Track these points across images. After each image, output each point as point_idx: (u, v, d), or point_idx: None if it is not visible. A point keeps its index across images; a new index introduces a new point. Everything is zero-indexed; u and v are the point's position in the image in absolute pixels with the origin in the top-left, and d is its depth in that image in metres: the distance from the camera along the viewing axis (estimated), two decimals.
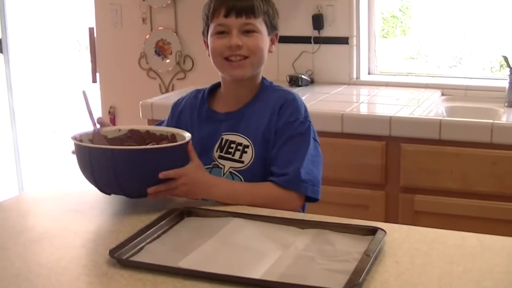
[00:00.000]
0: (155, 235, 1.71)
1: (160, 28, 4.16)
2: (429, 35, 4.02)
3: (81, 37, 4.85)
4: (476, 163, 2.85)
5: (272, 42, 2.15)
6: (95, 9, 4.34)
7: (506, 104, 3.34)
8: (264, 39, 2.09)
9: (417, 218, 2.97)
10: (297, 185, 2.01)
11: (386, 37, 4.10)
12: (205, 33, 2.14)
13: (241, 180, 2.08)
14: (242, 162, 2.08)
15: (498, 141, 2.81)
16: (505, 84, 3.35)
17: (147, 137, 2.06)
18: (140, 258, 1.59)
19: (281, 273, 1.49)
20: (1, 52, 5.09)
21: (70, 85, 5.64)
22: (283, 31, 3.81)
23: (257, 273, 1.49)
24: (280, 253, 1.60)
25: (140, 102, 3.48)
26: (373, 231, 1.69)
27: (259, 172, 2.07)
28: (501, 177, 2.82)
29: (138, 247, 1.64)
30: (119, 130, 2.11)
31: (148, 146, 1.94)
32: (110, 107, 4.39)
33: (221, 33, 2.06)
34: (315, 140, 2.11)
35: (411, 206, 2.98)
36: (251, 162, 2.07)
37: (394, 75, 3.85)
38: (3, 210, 2.00)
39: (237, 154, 2.08)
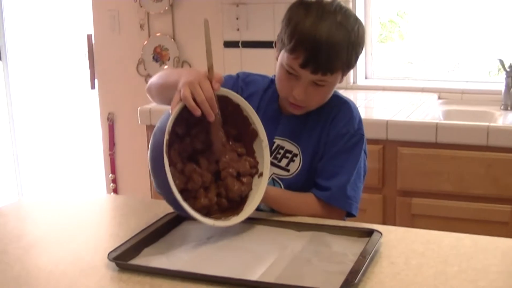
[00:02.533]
0: (154, 239, 1.72)
1: (157, 34, 4.18)
2: (426, 39, 4.03)
3: (80, 43, 4.86)
4: (472, 166, 2.87)
5: (344, 76, 1.96)
6: (93, 16, 4.36)
7: (502, 107, 3.36)
8: (334, 87, 1.95)
9: (414, 221, 2.98)
10: (341, 201, 1.94)
11: (383, 42, 4.11)
12: (279, 42, 1.94)
13: (281, 187, 1.99)
14: (288, 170, 1.99)
15: (494, 144, 2.83)
16: (501, 87, 3.37)
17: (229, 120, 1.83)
18: (138, 261, 1.61)
19: (278, 275, 1.51)
20: (0, 59, 5.11)
21: (68, 91, 5.64)
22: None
23: (254, 275, 1.51)
24: (277, 255, 1.62)
25: (139, 108, 3.49)
26: (369, 233, 1.71)
27: (303, 183, 1.98)
28: (497, 179, 2.83)
29: (137, 251, 1.65)
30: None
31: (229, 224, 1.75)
32: (109, 113, 4.40)
33: (291, 73, 1.89)
34: (365, 152, 2.04)
35: (408, 209, 3.00)
36: (296, 172, 1.99)
37: (391, 79, 3.86)
38: (3, 215, 2.01)
39: (284, 161, 1.99)
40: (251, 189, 1.82)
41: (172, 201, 1.69)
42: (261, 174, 1.83)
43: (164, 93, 1.90)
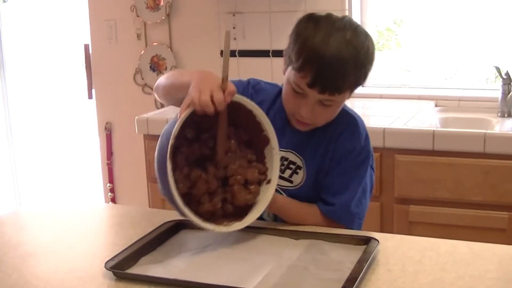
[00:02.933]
0: (151, 248, 1.73)
1: (154, 43, 4.19)
2: (423, 47, 4.04)
3: (77, 53, 4.86)
4: (470, 173, 2.87)
5: (351, 93, 1.91)
6: (90, 25, 4.37)
7: (499, 114, 3.37)
8: (341, 105, 1.92)
9: (412, 228, 2.99)
10: (344, 218, 1.93)
11: (381, 50, 4.12)
12: (286, 58, 1.90)
13: None
14: (291, 182, 1.97)
15: (491, 151, 2.83)
16: (498, 94, 3.38)
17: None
18: (135, 270, 1.61)
19: (275, 283, 1.51)
20: None
21: (66, 101, 5.65)
22: (278, 45, 3.86)
23: (251, 283, 1.51)
24: (274, 263, 1.62)
25: (136, 118, 3.50)
26: (366, 240, 1.71)
27: (306, 196, 1.96)
28: (494, 186, 2.84)
29: (134, 260, 1.65)
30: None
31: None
32: (106, 122, 4.41)
33: (298, 91, 1.85)
34: (371, 168, 2.02)
35: (406, 217, 3.00)
36: (300, 184, 1.97)
37: (388, 87, 3.86)
38: (1, 224, 2.02)
39: (287, 172, 1.97)
40: (258, 195, 1.81)
41: (175, 205, 1.68)
42: (269, 181, 1.82)
43: (173, 93, 1.88)
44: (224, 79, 1.69)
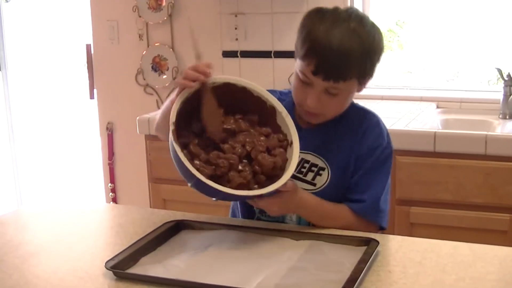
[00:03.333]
0: (151, 248, 1.73)
1: (156, 44, 4.19)
2: (426, 49, 4.04)
3: (79, 53, 4.87)
4: (471, 175, 2.87)
5: (362, 85, 1.94)
6: (92, 26, 4.37)
7: (500, 116, 3.36)
8: (349, 96, 1.93)
9: (413, 230, 2.98)
10: (374, 214, 1.94)
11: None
12: (295, 51, 1.92)
13: None
14: (314, 184, 1.95)
15: (492, 153, 2.83)
16: (500, 96, 3.38)
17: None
18: (136, 270, 1.61)
19: (275, 284, 1.51)
20: (0, 69, 5.12)
21: (68, 101, 5.66)
22: (280, 46, 3.86)
23: (251, 284, 1.51)
24: (275, 264, 1.62)
25: (137, 118, 3.50)
26: (366, 241, 1.71)
27: (331, 196, 1.94)
28: (495, 188, 2.83)
29: (134, 260, 1.65)
30: (214, 83, 1.84)
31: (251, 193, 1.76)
32: (108, 123, 4.41)
33: (305, 81, 1.87)
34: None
35: (407, 218, 3.00)
36: (324, 185, 1.95)
37: (390, 88, 3.86)
38: (1, 224, 2.02)
39: (310, 175, 1.96)
40: (286, 159, 1.82)
41: (201, 186, 1.69)
42: (291, 143, 1.83)
43: (165, 122, 1.87)
44: (198, 58, 1.81)
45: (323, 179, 1.96)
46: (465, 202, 2.90)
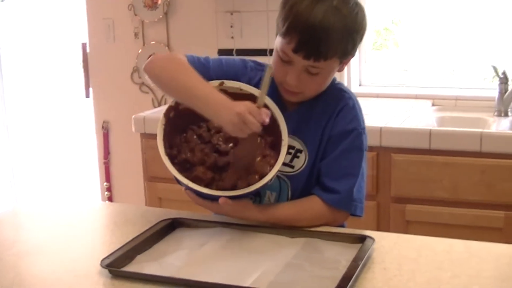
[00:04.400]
0: (147, 246, 1.73)
1: (152, 42, 4.19)
2: (421, 46, 4.04)
3: (74, 52, 4.86)
4: (466, 172, 2.87)
5: (343, 64, 1.91)
6: (87, 24, 4.37)
7: (496, 114, 3.37)
8: (330, 75, 1.89)
9: (408, 227, 2.99)
10: (348, 204, 1.90)
11: (379, 49, 4.12)
12: (276, 27, 1.89)
13: (288, 185, 1.94)
14: (292, 166, 1.93)
15: (487, 150, 2.84)
16: (495, 93, 3.38)
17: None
18: (131, 268, 1.61)
19: (270, 281, 1.51)
20: None
21: (63, 100, 5.65)
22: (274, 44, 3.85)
23: (247, 281, 1.51)
24: (270, 261, 1.62)
25: (133, 116, 3.50)
26: (361, 239, 1.71)
27: (308, 177, 1.93)
28: (490, 185, 2.84)
29: (130, 258, 1.65)
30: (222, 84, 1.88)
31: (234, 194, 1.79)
32: (103, 121, 4.41)
33: (285, 60, 1.84)
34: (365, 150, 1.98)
35: (403, 216, 3.00)
36: (302, 168, 1.93)
37: (385, 86, 3.87)
38: None
39: (287, 157, 1.91)
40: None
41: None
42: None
43: (171, 88, 1.86)
44: (260, 105, 1.73)
45: (300, 162, 1.93)
46: (461, 199, 2.90)
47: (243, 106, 1.69)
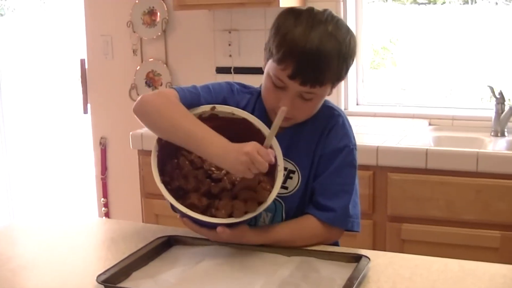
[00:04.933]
0: (143, 263, 1.73)
1: (150, 59, 4.20)
2: (419, 66, 4.06)
3: (73, 68, 4.88)
4: (462, 192, 2.88)
5: (333, 89, 1.90)
6: (86, 41, 4.38)
7: (492, 134, 3.38)
8: (322, 100, 1.89)
9: (404, 246, 2.99)
10: (344, 221, 1.90)
11: (376, 68, 4.14)
12: (266, 52, 1.87)
13: (282, 206, 1.94)
14: (286, 188, 1.92)
15: (484, 170, 2.85)
16: (492, 113, 3.39)
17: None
18: (127, 284, 1.61)
19: None
20: None
21: (61, 115, 5.66)
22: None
23: None
24: (265, 280, 1.62)
25: (131, 133, 3.50)
26: (357, 258, 1.71)
27: (301, 197, 1.94)
28: (486, 205, 2.85)
29: (126, 274, 1.66)
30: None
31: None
32: (101, 137, 4.42)
33: (278, 86, 1.83)
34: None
35: (399, 235, 3.00)
36: (296, 188, 1.93)
37: (382, 105, 3.88)
38: None
39: None
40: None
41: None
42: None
43: (166, 130, 1.84)
44: (267, 146, 1.75)
45: (294, 182, 1.93)
46: (457, 219, 2.91)
47: (252, 146, 1.70)
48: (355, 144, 1.96)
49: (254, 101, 1.98)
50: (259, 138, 1.80)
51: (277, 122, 1.75)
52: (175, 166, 1.85)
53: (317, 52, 1.75)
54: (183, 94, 1.90)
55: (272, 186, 1.80)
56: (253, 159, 1.67)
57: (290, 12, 1.84)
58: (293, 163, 1.93)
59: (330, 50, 1.77)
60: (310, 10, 1.83)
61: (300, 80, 1.77)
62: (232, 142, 1.75)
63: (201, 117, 1.86)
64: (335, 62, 1.79)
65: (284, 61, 1.77)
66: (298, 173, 1.93)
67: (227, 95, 1.98)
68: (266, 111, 1.93)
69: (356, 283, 1.55)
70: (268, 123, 1.88)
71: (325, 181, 1.92)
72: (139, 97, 1.89)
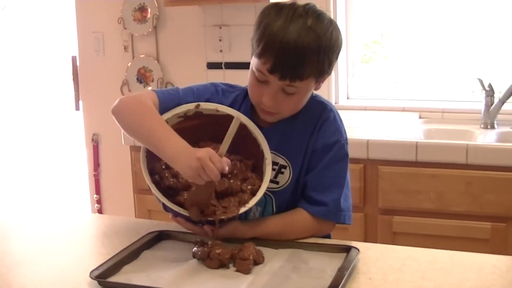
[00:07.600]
0: (134, 257, 1.74)
1: (141, 55, 4.21)
2: (410, 59, 4.07)
3: (64, 65, 4.87)
4: (452, 184, 2.90)
5: (319, 83, 1.90)
6: (77, 37, 4.38)
7: (482, 126, 3.40)
8: (307, 94, 1.89)
9: (396, 239, 3.01)
10: (336, 215, 1.91)
11: (367, 62, 4.14)
12: (251, 47, 1.87)
13: (272, 200, 1.94)
14: (277, 182, 1.93)
15: (474, 162, 2.87)
16: (481, 106, 3.41)
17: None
18: (119, 279, 1.63)
19: None
20: None
21: (53, 112, 5.66)
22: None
23: None
24: (256, 273, 1.64)
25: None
26: (346, 249, 1.73)
27: (293, 191, 1.95)
28: (476, 197, 2.87)
29: (118, 269, 1.67)
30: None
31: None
32: (93, 134, 4.42)
33: (261, 80, 1.83)
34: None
35: (390, 227, 3.02)
36: (287, 183, 1.94)
37: (372, 99, 3.90)
38: None
39: (271, 173, 1.88)
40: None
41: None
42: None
43: (135, 132, 1.88)
44: (221, 155, 1.73)
45: (285, 177, 1.94)
46: (447, 211, 2.93)
47: (205, 152, 1.70)
48: (346, 139, 1.97)
49: (242, 98, 1.99)
50: (245, 133, 1.83)
51: (231, 130, 1.75)
52: (164, 165, 1.85)
53: (294, 46, 1.75)
54: (162, 96, 1.92)
55: (261, 180, 1.82)
56: (204, 165, 1.67)
57: (273, 6, 1.84)
58: (284, 158, 1.94)
59: (308, 44, 1.76)
60: (292, 4, 1.82)
61: (279, 74, 1.77)
62: (218, 140, 1.78)
63: (186, 115, 1.89)
64: (315, 56, 1.78)
65: (263, 55, 1.78)
66: (289, 168, 1.94)
67: (211, 96, 1.99)
68: (252, 107, 1.95)
69: (347, 274, 1.57)
70: (254, 119, 1.91)
71: (316, 175, 1.93)
72: (118, 100, 1.93)
